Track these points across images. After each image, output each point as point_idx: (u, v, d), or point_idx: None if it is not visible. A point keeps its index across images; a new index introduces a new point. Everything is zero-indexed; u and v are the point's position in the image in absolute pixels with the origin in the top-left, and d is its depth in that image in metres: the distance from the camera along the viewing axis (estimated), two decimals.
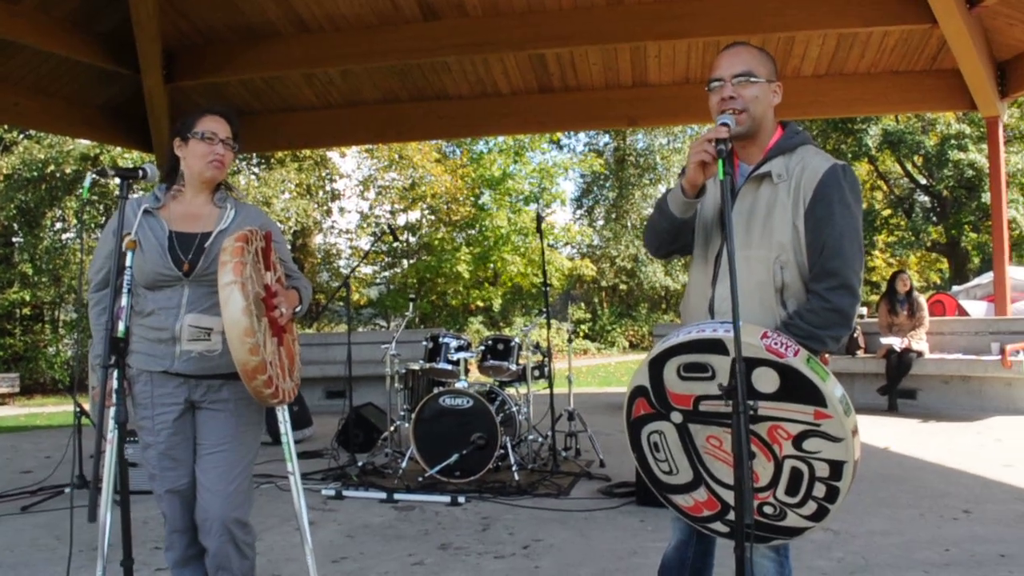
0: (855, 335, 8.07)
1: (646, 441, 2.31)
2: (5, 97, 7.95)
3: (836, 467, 2.11)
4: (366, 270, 20.95)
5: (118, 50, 7.86)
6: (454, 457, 5.02)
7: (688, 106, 9.14)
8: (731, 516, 2.25)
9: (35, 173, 13.29)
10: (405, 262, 20.32)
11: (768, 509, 2.22)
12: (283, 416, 2.64)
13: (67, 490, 4.94)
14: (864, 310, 10.35)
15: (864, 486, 4.88)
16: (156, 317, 2.47)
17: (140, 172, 2.34)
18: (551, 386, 5.62)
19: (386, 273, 21.13)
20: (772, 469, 2.18)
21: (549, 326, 5.84)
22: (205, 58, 8.48)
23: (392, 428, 5.82)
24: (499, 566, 3.60)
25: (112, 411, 2.18)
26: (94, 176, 2.28)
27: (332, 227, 20.76)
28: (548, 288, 6.52)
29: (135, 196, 2.57)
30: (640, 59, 8.81)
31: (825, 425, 2.08)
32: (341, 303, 20.87)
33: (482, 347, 5.68)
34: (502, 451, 5.12)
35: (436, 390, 5.23)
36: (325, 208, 19.57)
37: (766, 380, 2.08)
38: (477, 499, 4.78)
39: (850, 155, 20.62)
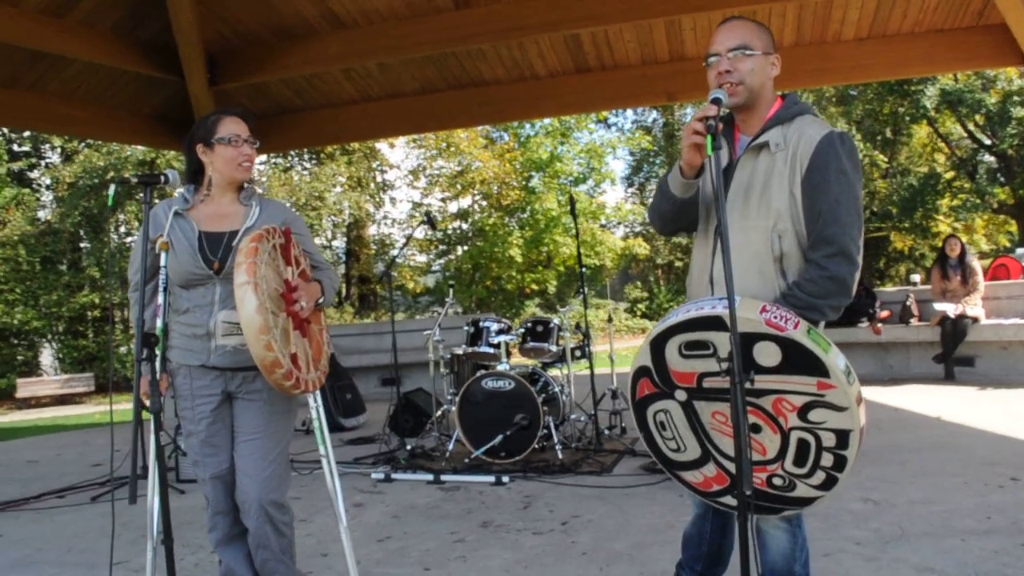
0: (908, 303, 7.92)
1: (652, 420, 2.36)
2: (59, 109, 8.28)
3: (842, 436, 2.14)
4: (421, 258, 21.19)
5: (162, 58, 8.10)
6: (498, 438, 5.13)
7: None
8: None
9: (96, 180, 13.83)
10: (460, 249, 20.49)
11: (777, 481, 2.26)
12: (314, 403, 2.77)
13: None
14: (917, 277, 10.11)
15: (910, 456, 4.84)
16: (191, 314, 2.62)
17: (163, 178, 2.48)
18: (591, 366, 5.69)
19: (441, 260, 21.33)
20: (779, 441, 2.21)
21: (586, 307, 5.90)
22: (246, 60, 8.68)
23: (439, 412, 5.96)
24: (537, 542, 3.70)
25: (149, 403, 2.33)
26: (117, 185, 2.43)
27: (385, 218, 21.05)
28: (585, 271, 6.57)
29: (164, 200, 2.72)
30: (676, 33, 8.71)
31: (829, 395, 2.10)
32: (398, 291, 21.21)
33: (522, 329, 5.77)
34: (545, 431, 5.21)
35: (479, 373, 5.34)
36: (377, 199, 19.85)
37: (768, 354, 2.12)
38: (521, 478, 4.89)
39: (908, 118, 20.04)
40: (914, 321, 7.97)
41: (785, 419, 2.19)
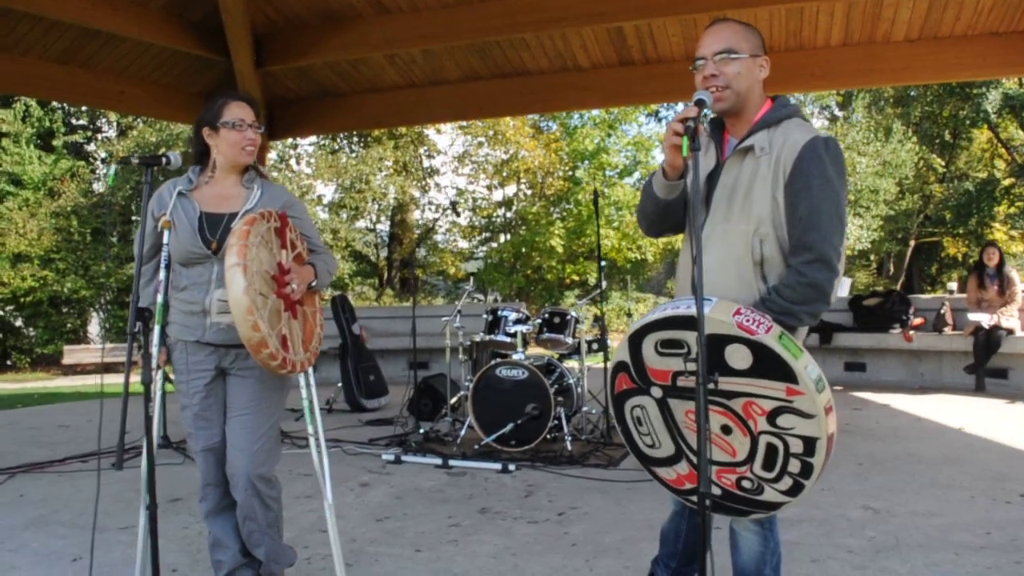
0: (942, 311, 7.74)
1: (630, 415, 2.39)
2: (111, 86, 8.54)
3: (809, 443, 2.14)
4: (463, 244, 21.30)
5: (210, 38, 8.29)
6: (509, 427, 5.19)
7: (773, 76, 8.63)
8: (712, 490, 2.31)
9: (148, 152, 14.21)
10: (502, 237, 20.56)
11: (746, 483, 2.27)
12: (305, 382, 2.84)
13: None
14: (954, 285, 9.86)
15: (922, 466, 4.77)
16: (189, 292, 2.72)
17: (164, 160, 2.58)
18: (606, 359, 5.70)
19: (484, 247, 21.43)
20: (748, 444, 2.22)
21: (603, 300, 5.91)
22: (292, 43, 8.82)
23: (455, 398, 6.04)
24: (530, 530, 3.74)
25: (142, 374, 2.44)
26: (118, 165, 2.53)
27: (430, 203, 21.21)
28: (604, 265, 6.56)
29: (171, 179, 2.82)
30: None
31: (797, 402, 2.10)
32: (439, 277, 21.36)
33: (538, 320, 5.81)
34: (556, 422, 5.25)
35: (493, 361, 5.40)
36: (422, 184, 20.00)
37: (739, 357, 2.12)
38: (529, 467, 4.94)
39: (967, 122, 19.48)
40: (948, 330, 7.80)
41: (755, 422, 2.19)
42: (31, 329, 14.65)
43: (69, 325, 14.93)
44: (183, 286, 2.73)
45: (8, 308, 14.29)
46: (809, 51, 8.54)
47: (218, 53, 8.51)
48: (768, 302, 2.19)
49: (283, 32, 8.84)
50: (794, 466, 2.20)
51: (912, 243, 21.37)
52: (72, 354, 13.53)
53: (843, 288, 9.52)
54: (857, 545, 3.42)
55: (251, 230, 2.46)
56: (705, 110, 2.19)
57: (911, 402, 7.10)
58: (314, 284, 2.78)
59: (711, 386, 2.05)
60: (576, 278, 19.51)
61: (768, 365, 2.09)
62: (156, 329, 2.67)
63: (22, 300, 14.05)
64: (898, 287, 20.55)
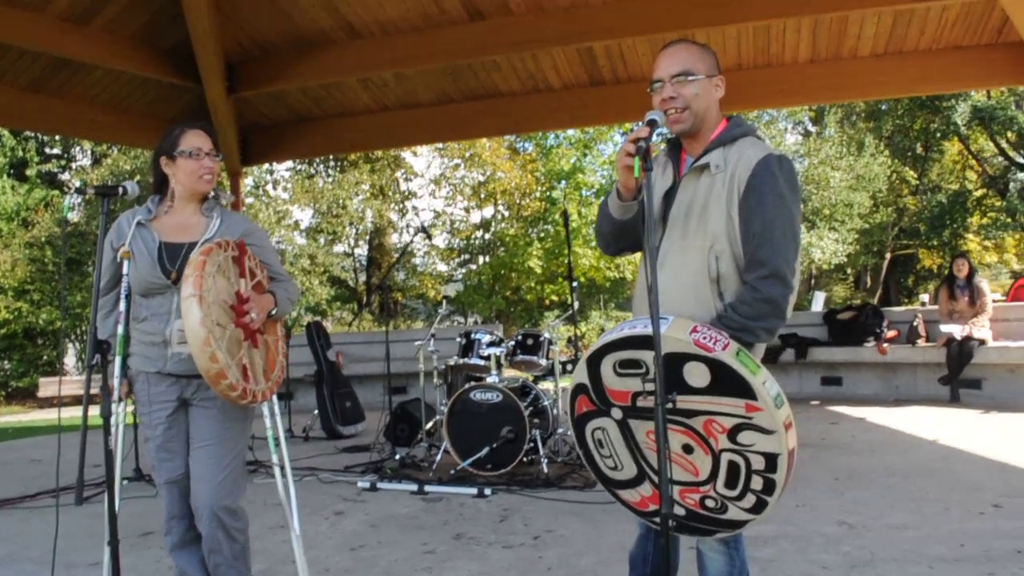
0: (915, 324, 7.81)
1: (591, 437, 2.37)
2: (83, 114, 8.50)
3: (771, 460, 2.14)
4: (442, 267, 21.27)
5: (182, 65, 8.28)
6: (484, 451, 5.15)
7: (742, 92, 8.93)
8: (676, 510, 2.29)
9: (127, 181, 14.08)
10: (481, 259, 20.56)
11: (710, 503, 2.26)
12: (269, 411, 2.82)
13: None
14: (926, 297, 9.95)
15: (897, 479, 4.79)
16: (149, 322, 2.69)
17: (120, 190, 2.56)
18: None
19: (462, 270, 21.41)
20: (710, 463, 2.21)
21: (575, 322, 5.91)
22: (264, 69, 8.83)
23: (430, 423, 6.00)
24: (504, 555, 3.71)
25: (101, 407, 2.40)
26: (73, 195, 2.51)
27: (407, 226, 21.20)
28: (576, 285, 6.57)
29: (129, 210, 2.80)
30: None
31: (757, 418, 2.10)
32: (419, 300, 21.29)
33: (512, 342, 5.80)
34: (531, 444, 5.22)
35: (467, 385, 5.37)
36: (400, 208, 20.00)
37: (697, 375, 2.12)
38: (504, 491, 4.91)
39: (939, 134, 19.77)
40: (921, 342, 7.86)
41: (716, 440, 2.19)
42: (6, 362, 14.44)
43: (45, 357, 14.73)
44: (143, 317, 2.70)
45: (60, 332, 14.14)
46: (777, 68, 8.65)
47: (190, 80, 8.50)
48: (724, 319, 2.19)
49: (255, 58, 8.85)
50: (757, 483, 2.19)
51: (888, 256, 21.59)
52: (48, 386, 13.32)
53: (817, 303, 9.58)
54: (832, 561, 3.42)
55: (207, 260, 2.45)
56: (658, 129, 2.22)
57: (887, 415, 7.14)
58: (274, 312, 2.76)
59: (674, 405, 2.05)
60: (555, 299, 19.52)
61: (726, 382, 2.09)
62: (117, 360, 2.64)
63: None
64: (875, 300, 20.74)
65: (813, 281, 21.75)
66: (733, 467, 2.19)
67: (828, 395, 8.42)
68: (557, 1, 7.99)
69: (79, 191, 2.72)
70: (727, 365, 2.07)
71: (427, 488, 4.98)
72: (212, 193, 2.82)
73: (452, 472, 5.23)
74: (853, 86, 8.53)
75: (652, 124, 2.19)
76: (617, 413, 2.28)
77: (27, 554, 4.01)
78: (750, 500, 2.21)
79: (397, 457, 5.68)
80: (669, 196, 2.37)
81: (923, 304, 9.01)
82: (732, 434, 2.15)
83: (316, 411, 7.38)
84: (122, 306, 2.61)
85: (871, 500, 4.34)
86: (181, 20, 7.92)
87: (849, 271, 22.44)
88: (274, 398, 2.80)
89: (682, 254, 2.28)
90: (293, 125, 10.20)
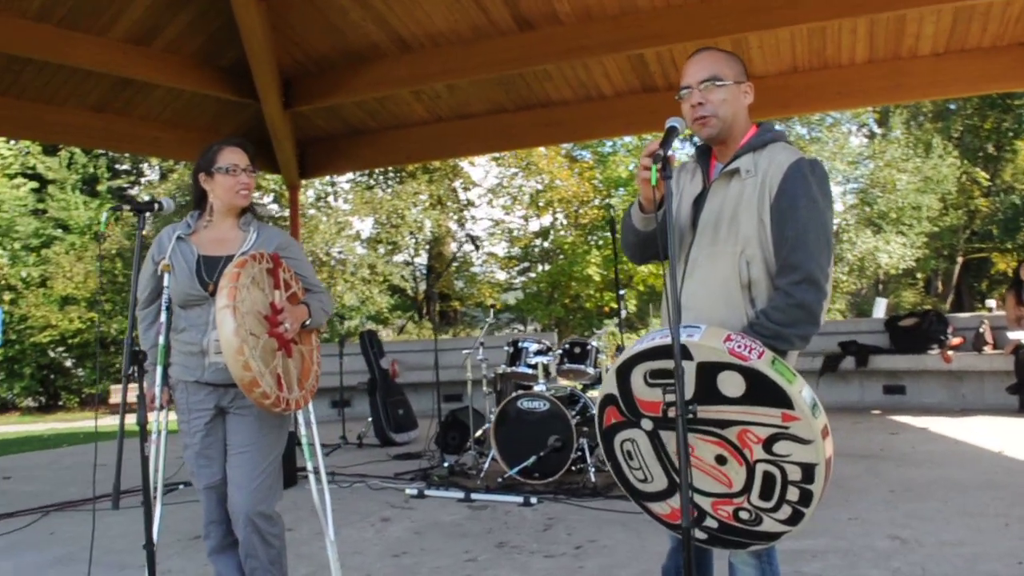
0: (981, 330, 7.52)
1: (619, 450, 2.34)
2: (147, 131, 8.81)
3: (807, 470, 2.08)
4: (501, 276, 21.35)
5: (240, 82, 8.50)
6: (532, 459, 5.14)
7: (799, 94, 8.79)
8: (708, 523, 2.26)
9: (188, 197, 14.59)
10: (540, 267, 20.57)
11: (744, 515, 2.21)
12: (304, 419, 2.87)
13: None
14: (993, 303, 9.57)
15: (956, 493, 4.61)
16: (188, 333, 2.77)
17: (156, 205, 2.65)
18: None
19: (521, 278, 21.46)
20: (745, 474, 2.16)
21: (622, 329, 5.85)
22: (319, 83, 9.00)
23: (480, 431, 6.01)
24: (545, 564, 3.69)
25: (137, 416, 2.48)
26: (110, 211, 2.60)
27: (467, 236, 21.34)
28: (623, 293, 6.51)
29: (170, 225, 2.89)
30: (743, 51, 8.55)
31: (794, 427, 2.05)
32: (478, 308, 21.40)
33: (560, 351, 5.77)
34: (579, 453, 5.19)
35: (514, 394, 5.37)
36: (457, 217, 20.15)
37: (732, 384, 2.08)
38: (551, 500, 4.89)
39: (1011, 133, 19.06)
40: (987, 349, 7.56)
41: (751, 451, 2.14)
42: (80, 369, 15.02)
43: (116, 365, 15.27)
44: (182, 328, 2.78)
45: (58, 350, 14.68)
46: (834, 69, 8.46)
47: (248, 96, 8.72)
48: (757, 326, 2.15)
49: (310, 73, 9.04)
50: (792, 494, 2.13)
51: (960, 260, 20.86)
52: (119, 393, 13.77)
53: (879, 309, 9.32)
54: None
55: (241, 272, 2.51)
56: (678, 135, 2.20)
57: (951, 425, 6.89)
58: (308, 323, 2.81)
59: (697, 415, 2.02)
60: (615, 306, 19.39)
61: (762, 391, 2.04)
62: (158, 370, 2.74)
63: (70, 341, 14.43)
64: (947, 305, 20.06)
65: (880, 287, 21.14)
66: (768, 478, 2.13)
67: (891, 404, 8.16)
68: (606, 9, 7.96)
69: (115, 208, 2.82)
70: (763, 374, 2.02)
71: (473, 496, 4.99)
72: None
73: (499, 480, 5.23)
74: (913, 86, 8.29)
75: (672, 131, 2.18)
76: (648, 424, 2.25)
77: (82, 555, 4.13)
78: (786, 511, 2.16)
79: (446, 465, 5.71)
80: (699, 202, 2.34)
81: (990, 310, 8.66)
82: (768, 444, 2.09)
83: (370, 419, 7.47)
84: (163, 317, 2.71)
85: (927, 514, 4.19)
86: (238, 39, 8.14)
87: (919, 276, 21.73)
88: (309, 406, 2.84)
89: (712, 260, 2.25)
90: (349, 138, 10.37)
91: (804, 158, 2.20)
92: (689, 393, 2.08)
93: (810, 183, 2.16)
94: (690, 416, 2.07)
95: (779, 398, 2.03)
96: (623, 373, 2.24)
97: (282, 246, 2.85)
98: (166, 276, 2.74)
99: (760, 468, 2.14)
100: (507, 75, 9.03)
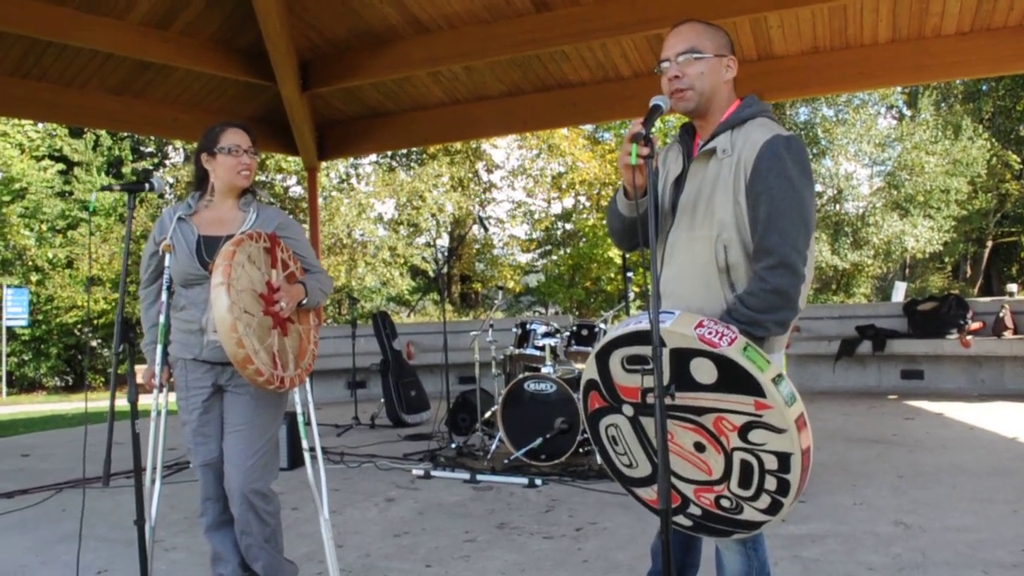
0: (1002, 314, 7.41)
1: (604, 434, 2.34)
2: (165, 114, 8.91)
3: (783, 459, 2.06)
4: (522, 258, 21.34)
5: (257, 64, 8.55)
6: (538, 441, 5.17)
7: (820, 75, 8.68)
8: (692, 509, 2.26)
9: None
10: (562, 250, 20.54)
11: (725, 502, 2.20)
12: (300, 398, 2.91)
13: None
14: (1014, 287, 9.40)
15: (965, 478, 4.57)
16: (187, 311, 2.82)
17: (146, 186, 2.68)
18: None
19: (543, 261, 21.45)
20: (723, 461, 2.15)
21: (628, 312, 5.84)
22: (337, 66, 9.03)
23: (488, 413, 6.04)
24: (544, 546, 3.72)
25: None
26: (99, 191, 2.65)
27: (489, 217, 21.36)
28: (632, 275, 6.49)
29: (172, 205, 2.93)
30: (762, 31, 8.47)
31: (767, 416, 2.03)
32: (499, 290, 21.45)
33: (567, 333, 5.77)
34: (585, 435, 5.20)
35: (521, 375, 5.39)
36: (479, 199, 20.15)
37: (704, 371, 2.06)
38: (556, 482, 4.91)
39: None
40: (1008, 334, 7.45)
41: (727, 438, 2.13)
42: (105, 350, 15.27)
43: (138, 345, 15.50)
44: (182, 306, 2.83)
45: (84, 330, 14.93)
46: (856, 49, 8.34)
47: (266, 79, 8.77)
48: (733, 312, 2.11)
49: (328, 56, 9.07)
50: (771, 483, 2.11)
51: (989, 243, 20.52)
52: (139, 373, 14.01)
53: (898, 293, 9.17)
54: (880, 562, 3.29)
55: (237, 251, 2.54)
56: (661, 114, 2.18)
57: (967, 410, 6.81)
58: (304, 302, 2.84)
59: (673, 400, 2.01)
60: (636, 289, 19.32)
61: (733, 379, 2.02)
62: (158, 348, 2.79)
63: (96, 322, 14.66)
64: (975, 289, 19.76)
65: (907, 271, 20.86)
66: (746, 466, 2.12)
67: (908, 389, 8.08)
68: None
69: (105, 188, 2.87)
70: (733, 361, 2.00)
71: (479, 477, 5.02)
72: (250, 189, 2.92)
73: (506, 462, 5.26)
74: (938, 66, 8.15)
75: (656, 110, 2.14)
76: (628, 410, 2.24)
77: (92, 532, 4.22)
78: (765, 500, 2.14)
79: (453, 446, 5.75)
80: (680, 183, 2.30)
81: (1011, 294, 8.51)
82: (743, 432, 2.08)
83: (383, 399, 7.53)
84: (163, 297, 2.76)
85: (933, 500, 4.16)
86: (255, 21, 8.18)
87: (947, 260, 21.41)
88: (307, 384, 2.89)
89: (690, 244, 2.21)
90: (368, 120, 10.40)
91: (780, 135, 2.11)
92: (665, 379, 2.06)
93: (785, 161, 2.07)
94: (670, 402, 2.07)
95: (750, 386, 1.99)
96: (602, 358, 2.23)
97: (281, 226, 2.88)
98: (167, 256, 2.79)
99: (737, 456, 2.12)
100: (524, 56, 9.00)
